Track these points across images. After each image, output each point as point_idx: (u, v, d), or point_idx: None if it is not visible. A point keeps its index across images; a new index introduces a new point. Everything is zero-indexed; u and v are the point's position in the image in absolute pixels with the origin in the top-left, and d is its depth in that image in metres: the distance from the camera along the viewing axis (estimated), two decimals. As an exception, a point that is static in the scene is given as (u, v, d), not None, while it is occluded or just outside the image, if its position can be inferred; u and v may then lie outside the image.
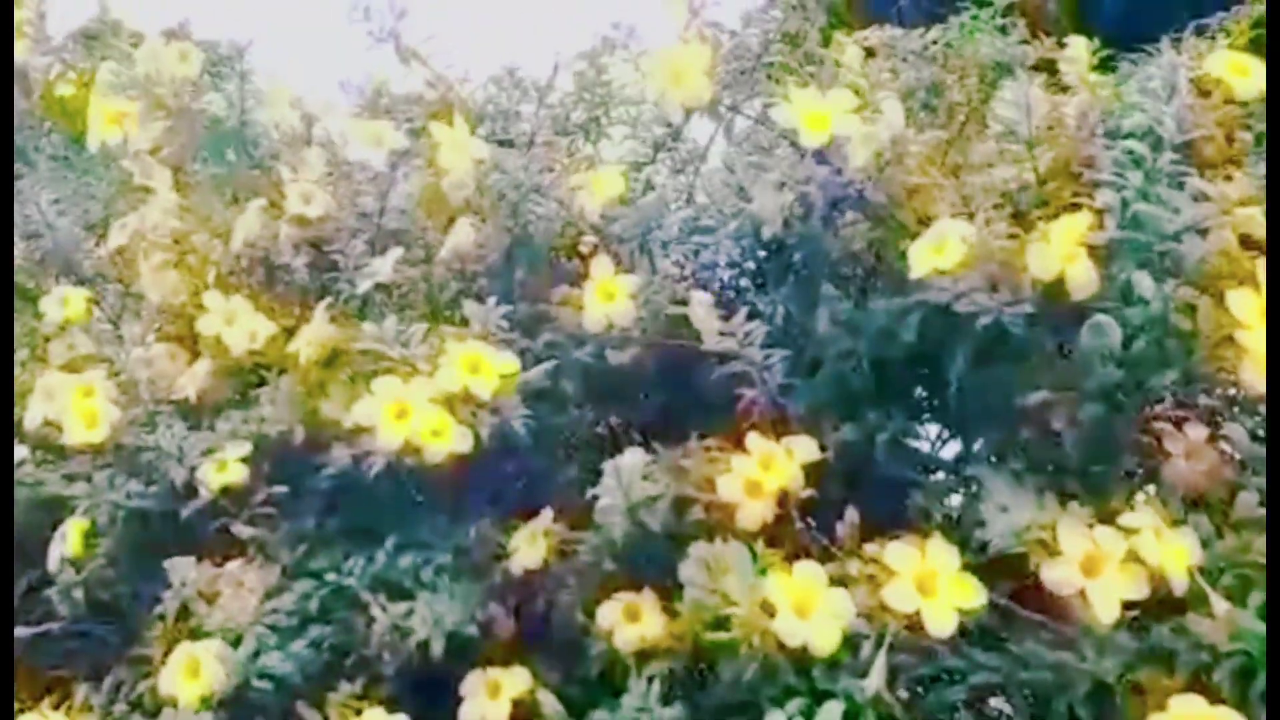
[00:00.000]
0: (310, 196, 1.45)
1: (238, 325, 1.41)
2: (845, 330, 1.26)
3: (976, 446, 1.23)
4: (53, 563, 1.28)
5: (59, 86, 1.97)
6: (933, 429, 1.30)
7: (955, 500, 1.20)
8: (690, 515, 1.14)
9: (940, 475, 1.27)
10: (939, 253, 1.04)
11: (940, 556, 0.95)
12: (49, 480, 1.34)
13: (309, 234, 1.46)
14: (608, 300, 1.21)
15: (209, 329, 1.41)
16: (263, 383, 1.45)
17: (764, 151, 1.35)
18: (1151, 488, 1.12)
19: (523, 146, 1.40)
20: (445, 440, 1.09)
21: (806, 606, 0.94)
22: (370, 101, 1.63)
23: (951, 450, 1.34)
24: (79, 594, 1.28)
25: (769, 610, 0.96)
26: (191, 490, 1.31)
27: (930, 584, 0.93)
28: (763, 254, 1.39)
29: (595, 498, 1.18)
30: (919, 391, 1.29)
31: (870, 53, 1.45)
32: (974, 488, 1.16)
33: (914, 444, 1.29)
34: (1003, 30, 1.39)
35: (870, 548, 1.05)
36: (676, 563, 1.15)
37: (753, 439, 1.10)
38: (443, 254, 1.38)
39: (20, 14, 1.82)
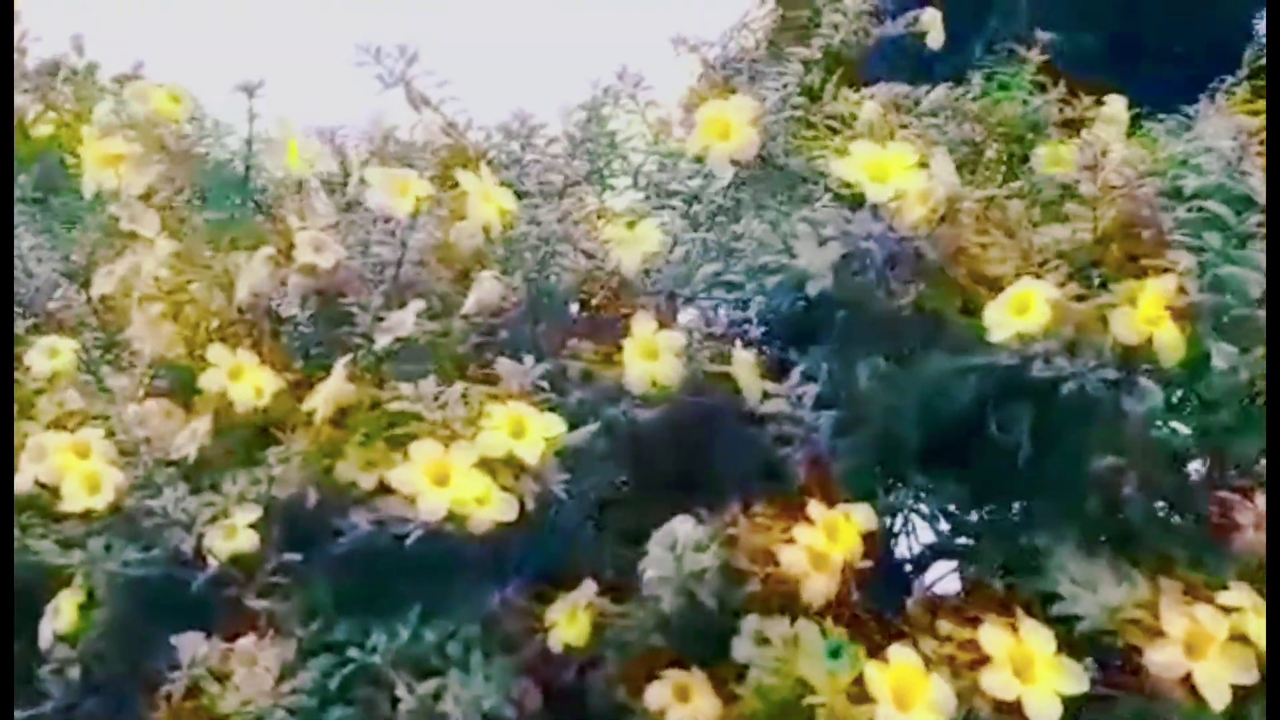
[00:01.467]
0: (321, 245, 1.38)
1: (244, 380, 1.34)
2: (891, 389, 1.21)
3: (1037, 513, 1.18)
4: (45, 639, 1.18)
5: (37, 126, 1.88)
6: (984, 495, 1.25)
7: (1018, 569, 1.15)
8: (744, 588, 1.08)
9: (990, 542, 1.22)
10: (1023, 314, 0.99)
11: (1035, 638, 0.90)
12: (40, 548, 1.25)
13: (319, 285, 1.39)
14: (650, 358, 1.16)
15: (212, 384, 1.33)
16: (268, 442, 1.38)
17: (803, 204, 1.31)
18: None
19: (550, 196, 1.34)
20: (491, 508, 1.02)
21: (908, 697, 0.88)
22: (378, 148, 1.56)
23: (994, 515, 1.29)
24: (74, 672, 1.18)
25: (854, 697, 0.90)
26: (197, 558, 1.23)
27: (1027, 668, 0.88)
28: (800, 309, 1.34)
29: (632, 566, 1.12)
30: (969, 455, 1.24)
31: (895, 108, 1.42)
32: (1038, 558, 1.11)
33: (961, 511, 1.24)
34: (1040, 87, 1.36)
35: (942, 624, 1.00)
36: (727, 638, 1.10)
37: (815, 507, 1.05)
38: (467, 307, 1.31)
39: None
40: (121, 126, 1.35)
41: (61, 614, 1.19)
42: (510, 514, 1.03)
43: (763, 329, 1.39)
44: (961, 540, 1.21)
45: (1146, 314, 0.95)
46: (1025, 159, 1.35)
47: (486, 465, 1.04)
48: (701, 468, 1.30)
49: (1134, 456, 1.05)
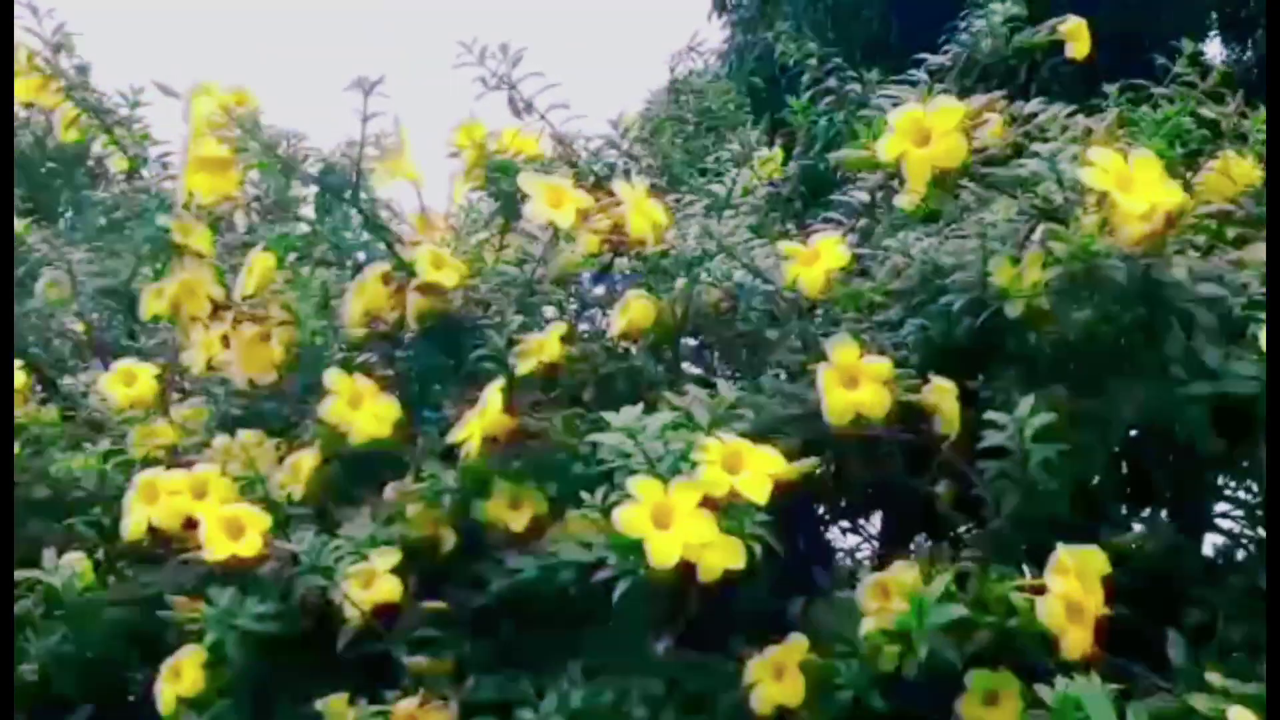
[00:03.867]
0: (442, 262, 1.25)
1: (364, 409, 1.21)
2: (1093, 419, 1.12)
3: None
4: (165, 705, 1.04)
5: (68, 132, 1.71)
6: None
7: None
8: (973, 641, 0.98)
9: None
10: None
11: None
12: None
13: (439, 305, 1.26)
14: (850, 385, 1.05)
15: (333, 414, 1.19)
16: (384, 477, 1.25)
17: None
18: None
19: (716, 209, 1.23)
20: (721, 555, 0.90)
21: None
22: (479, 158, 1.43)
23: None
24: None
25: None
26: (328, 608, 1.09)
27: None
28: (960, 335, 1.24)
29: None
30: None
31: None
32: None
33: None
34: (1217, 99, 1.29)
35: (1211, 676, 0.91)
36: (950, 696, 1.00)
37: (1065, 553, 0.95)
38: (616, 328, 1.20)
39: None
40: (223, 128, 1.21)
41: (184, 676, 1.04)
42: (740, 560, 0.91)
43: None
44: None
45: None
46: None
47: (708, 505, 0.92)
48: (896, 501, 1.21)
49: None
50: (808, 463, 0.98)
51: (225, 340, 1.47)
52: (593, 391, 1.22)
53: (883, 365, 1.05)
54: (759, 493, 0.92)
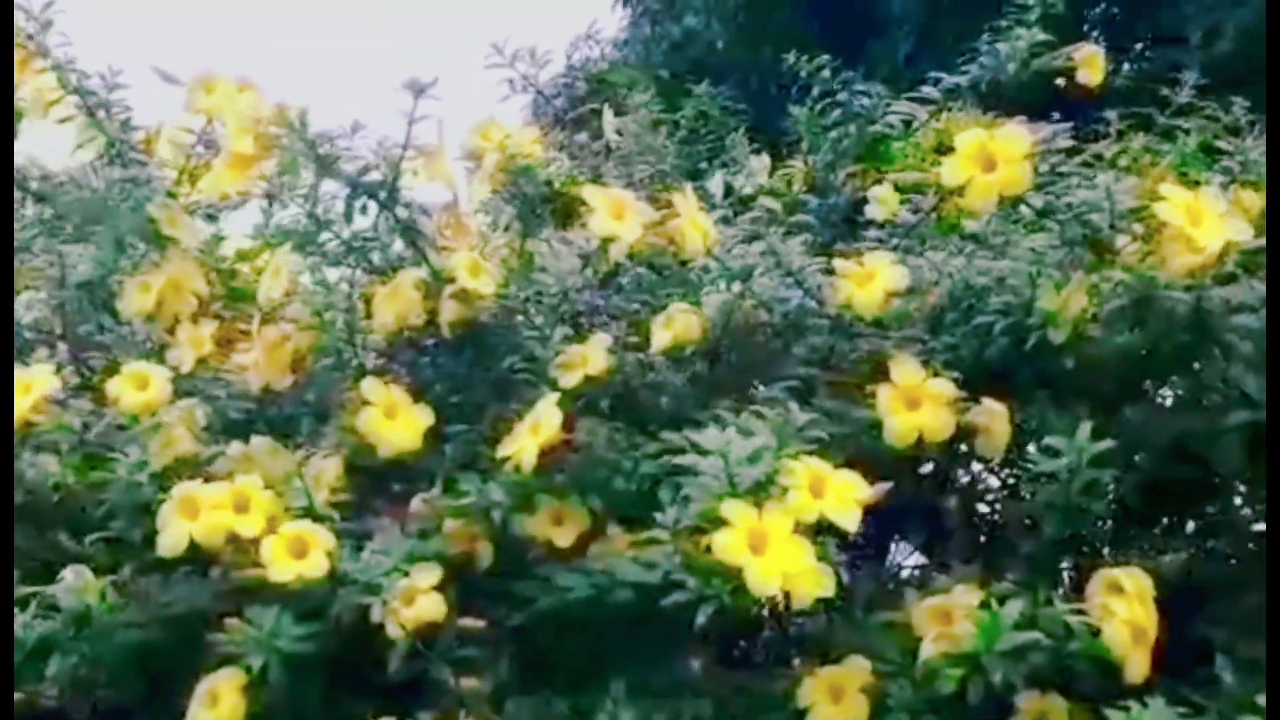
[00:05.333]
0: (479, 269, 1.22)
1: (399, 420, 1.17)
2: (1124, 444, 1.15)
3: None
4: (201, 731, 0.99)
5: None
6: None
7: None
8: (1028, 664, 0.99)
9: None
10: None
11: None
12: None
13: (473, 312, 1.23)
14: (912, 408, 1.06)
15: (369, 425, 1.15)
16: (404, 488, 1.21)
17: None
18: None
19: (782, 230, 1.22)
20: (814, 583, 0.90)
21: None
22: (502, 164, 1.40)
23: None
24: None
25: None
26: (366, 627, 1.05)
27: None
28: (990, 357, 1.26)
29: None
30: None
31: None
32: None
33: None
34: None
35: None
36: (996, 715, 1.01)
37: (1123, 576, 0.97)
38: (658, 344, 1.18)
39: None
40: (266, 125, 1.16)
41: (222, 701, 0.99)
42: (830, 588, 0.91)
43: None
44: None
45: None
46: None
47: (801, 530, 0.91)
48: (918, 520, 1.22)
49: None
50: (884, 487, 0.98)
51: (215, 340, 1.43)
52: (625, 405, 1.20)
53: (945, 388, 1.06)
54: (849, 519, 0.92)
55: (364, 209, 1.24)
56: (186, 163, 1.53)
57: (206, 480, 1.09)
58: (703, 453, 0.95)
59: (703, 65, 5.32)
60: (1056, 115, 1.55)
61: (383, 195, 1.22)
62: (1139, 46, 4.67)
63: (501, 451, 1.10)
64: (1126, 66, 4.84)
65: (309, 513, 1.06)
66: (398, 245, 1.32)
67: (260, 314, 1.24)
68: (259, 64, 1.58)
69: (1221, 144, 1.33)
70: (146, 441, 1.13)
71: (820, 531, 0.94)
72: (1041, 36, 1.42)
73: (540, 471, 1.10)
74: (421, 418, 1.18)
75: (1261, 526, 1.18)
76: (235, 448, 1.23)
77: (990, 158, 1.08)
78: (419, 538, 1.13)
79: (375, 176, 1.22)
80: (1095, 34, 4.61)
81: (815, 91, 1.60)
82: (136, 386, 1.23)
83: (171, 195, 1.51)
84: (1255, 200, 1.27)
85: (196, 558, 1.08)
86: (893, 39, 4.72)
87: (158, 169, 1.53)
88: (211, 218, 1.70)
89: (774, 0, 5.10)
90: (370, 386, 1.16)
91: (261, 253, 1.57)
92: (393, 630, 1.04)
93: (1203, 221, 1.01)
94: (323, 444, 1.25)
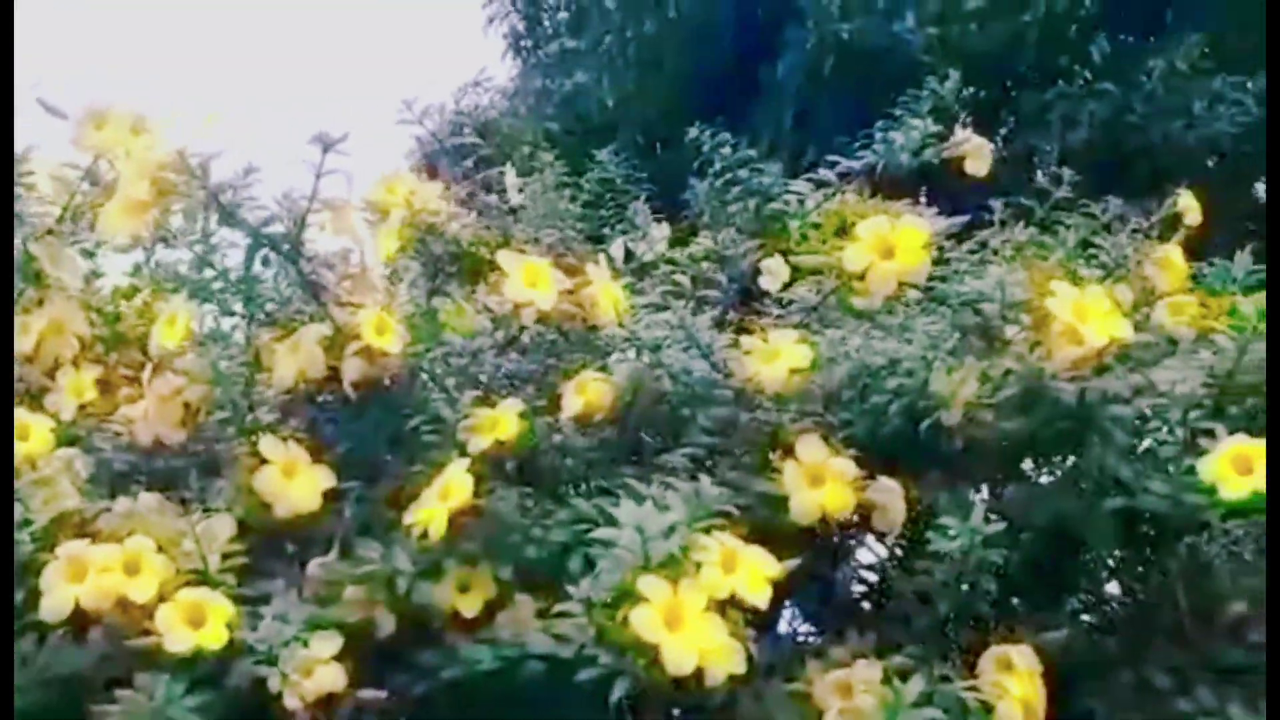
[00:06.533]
0: (385, 327, 1.21)
1: (299, 479, 1.14)
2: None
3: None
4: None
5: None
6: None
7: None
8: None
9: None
10: (1249, 474, 1.01)
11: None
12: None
13: (378, 371, 1.22)
14: (815, 485, 1.09)
15: (268, 484, 1.12)
16: (305, 551, 1.18)
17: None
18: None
19: (688, 302, 1.24)
20: (726, 660, 0.91)
21: None
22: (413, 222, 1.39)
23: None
24: None
25: None
26: (265, 695, 1.02)
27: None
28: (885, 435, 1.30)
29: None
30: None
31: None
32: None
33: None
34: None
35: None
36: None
37: (1013, 653, 1.01)
38: (569, 411, 1.19)
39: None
40: (166, 170, 1.12)
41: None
42: (742, 665, 0.92)
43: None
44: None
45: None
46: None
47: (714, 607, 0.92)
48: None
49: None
50: (791, 563, 1.00)
51: (98, 385, 1.37)
52: (533, 469, 1.20)
53: (847, 467, 1.09)
54: (760, 596, 0.94)
55: (265, 260, 1.21)
56: (70, 199, 1.48)
57: (93, 539, 1.04)
58: (617, 525, 0.96)
59: (593, 120, 5.40)
60: (943, 197, 1.65)
61: (285, 247, 1.20)
62: (1002, 130, 4.92)
63: (408, 517, 1.09)
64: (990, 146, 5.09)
65: (203, 577, 1.02)
66: (299, 298, 1.30)
67: (152, 365, 1.20)
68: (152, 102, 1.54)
69: (1098, 240, 1.42)
70: (28, 497, 1.08)
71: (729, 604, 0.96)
72: (933, 128, 1.48)
73: (448, 538, 1.09)
74: (321, 478, 1.16)
75: (1131, 603, 1.24)
76: (122, 504, 1.18)
77: (889, 246, 1.13)
78: (319, 604, 1.10)
79: (278, 228, 1.20)
80: (962, 114, 4.81)
81: (715, 166, 1.64)
82: (16, 436, 1.17)
83: (52, 233, 1.46)
84: (1128, 295, 1.36)
85: (83, 623, 1.03)
86: (777, 104, 4.87)
87: (38, 203, 1.47)
88: (89, 254, 1.64)
89: (663, 61, 5.21)
90: (269, 444, 1.13)
91: (145, 293, 1.53)
92: (291, 702, 1.01)
93: (1089, 318, 1.08)
94: (213, 500, 1.21)
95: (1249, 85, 4.46)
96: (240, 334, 1.27)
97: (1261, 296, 1.29)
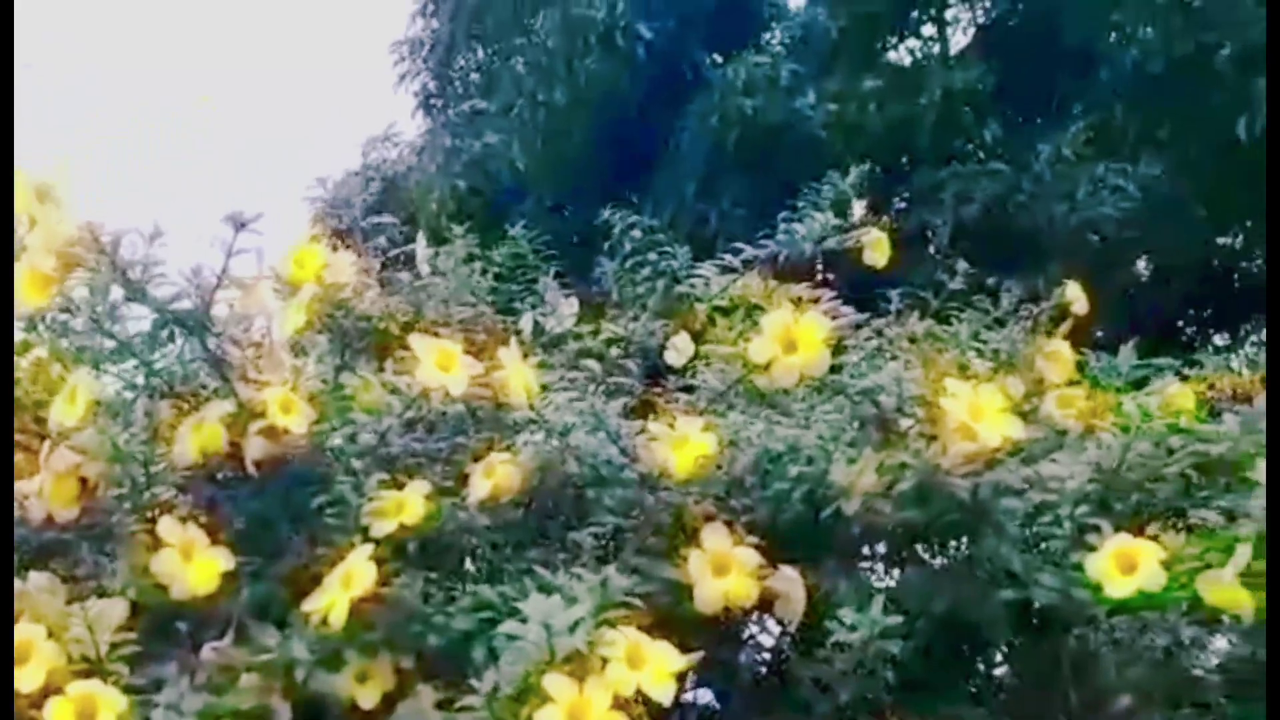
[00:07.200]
0: (290, 406, 1.20)
1: (195, 562, 1.12)
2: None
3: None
4: None
5: None
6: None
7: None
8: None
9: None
10: (1131, 573, 1.05)
11: None
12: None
13: (282, 450, 1.20)
14: (720, 574, 1.11)
15: (165, 567, 1.10)
16: (199, 634, 1.15)
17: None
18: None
19: (597, 386, 1.26)
20: (631, 757, 0.91)
21: None
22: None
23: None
24: None
25: None
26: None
27: None
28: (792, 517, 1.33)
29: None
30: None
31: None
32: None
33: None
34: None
35: None
36: None
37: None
38: (477, 494, 1.19)
39: None
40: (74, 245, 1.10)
41: None
42: (645, 764, 0.92)
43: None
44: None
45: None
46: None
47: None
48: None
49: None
50: (695, 656, 1.01)
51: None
52: (438, 551, 1.20)
53: (750, 556, 1.11)
54: (664, 693, 0.94)
55: (170, 334, 1.19)
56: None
57: (-22, 623, 1.00)
58: (523, 619, 0.96)
59: (503, 181, 5.43)
60: (844, 278, 1.69)
61: (192, 324, 1.18)
62: (898, 203, 5.09)
63: (308, 605, 1.07)
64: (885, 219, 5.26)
65: (94, 665, 0.99)
66: (205, 371, 1.28)
67: (50, 440, 1.17)
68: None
69: (990, 334, 1.49)
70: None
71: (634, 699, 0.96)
72: (834, 221, 1.54)
73: (349, 626, 1.08)
74: (220, 559, 1.13)
75: (1023, 690, 1.28)
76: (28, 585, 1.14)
77: (792, 339, 1.16)
78: (213, 691, 1.07)
79: (186, 304, 1.19)
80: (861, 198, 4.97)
81: (625, 248, 1.67)
82: (-104, 512, 1.13)
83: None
84: (1019, 386, 1.42)
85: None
86: (682, 173, 4.96)
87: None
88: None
89: (572, 129, 5.29)
90: (167, 526, 1.11)
91: (39, 350, 1.48)
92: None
93: (983, 416, 1.12)
94: (107, 579, 1.18)
95: (1129, 170, 4.69)
96: (141, 407, 1.24)
97: (1143, 394, 1.36)
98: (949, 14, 5.72)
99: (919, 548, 1.32)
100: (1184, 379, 1.46)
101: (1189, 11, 4.62)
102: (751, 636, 1.37)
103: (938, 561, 1.35)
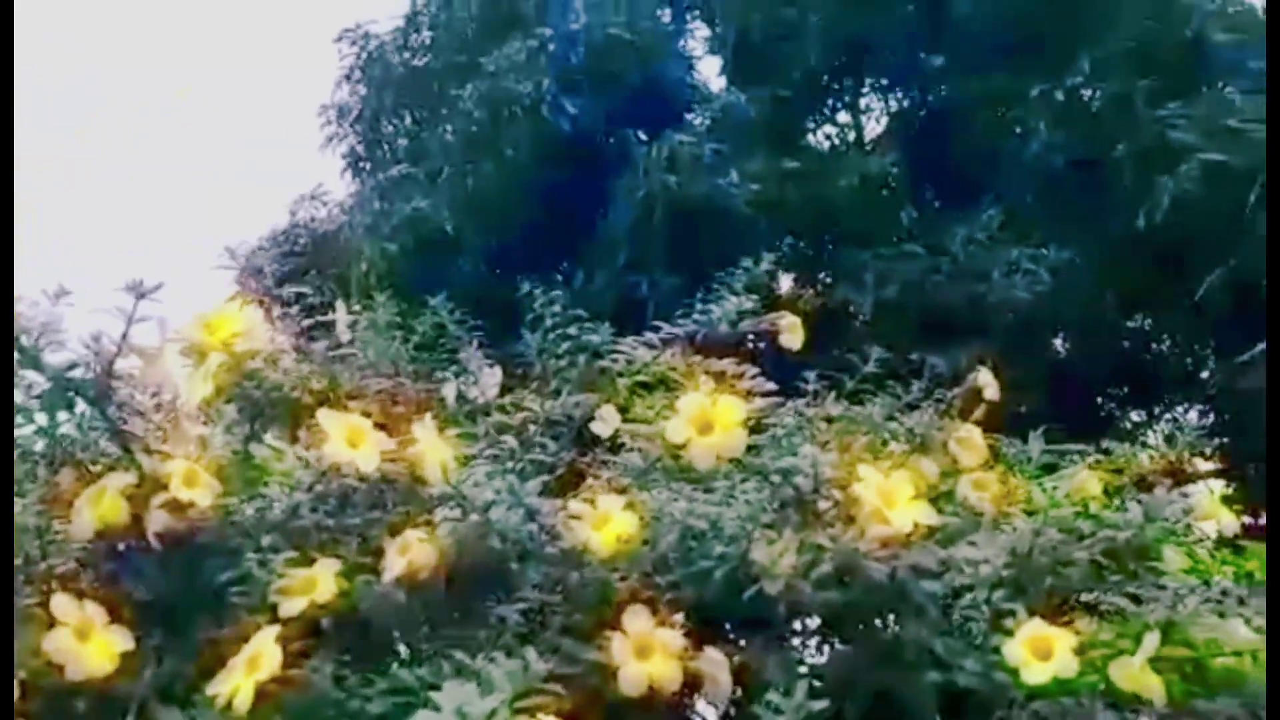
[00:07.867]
0: (195, 478, 1.16)
1: (92, 643, 1.07)
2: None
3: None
4: None
5: None
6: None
7: None
8: None
9: None
10: (1047, 659, 1.05)
11: None
12: None
13: (186, 524, 1.16)
14: (643, 657, 1.09)
15: (60, 647, 1.04)
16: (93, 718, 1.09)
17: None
18: None
19: (517, 462, 1.24)
20: None
21: None
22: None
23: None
24: None
25: None
26: None
27: None
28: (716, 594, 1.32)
29: None
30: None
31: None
32: None
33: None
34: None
35: None
36: None
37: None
38: (393, 571, 1.16)
39: None
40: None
41: None
42: None
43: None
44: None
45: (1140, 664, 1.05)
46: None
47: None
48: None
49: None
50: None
51: None
52: (352, 630, 1.16)
53: (674, 638, 1.10)
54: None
55: (70, 403, 1.15)
56: None
57: None
58: (437, 709, 0.93)
59: (431, 243, 5.39)
60: (764, 355, 1.70)
61: (91, 394, 1.14)
62: (822, 278, 5.18)
63: (212, 689, 1.03)
64: (809, 293, 5.38)
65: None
66: (106, 440, 1.23)
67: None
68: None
69: (904, 418, 1.50)
70: None
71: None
72: (748, 304, 1.55)
73: (256, 711, 1.03)
74: (118, 639, 1.08)
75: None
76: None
77: (709, 421, 1.17)
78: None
79: (83, 373, 1.15)
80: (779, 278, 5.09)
81: (547, 322, 1.67)
82: None
83: None
84: (934, 468, 1.43)
85: None
86: (610, 244, 4.99)
87: None
88: None
89: (501, 196, 5.30)
90: (62, 604, 1.06)
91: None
92: None
93: (895, 503, 1.13)
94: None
95: (1041, 254, 4.83)
96: (39, 477, 1.19)
97: (1052, 479, 1.38)
98: (862, 103, 5.90)
99: (844, 629, 1.31)
100: (1095, 464, 1.48)
101: (1086, 113, 4.83)
102: (687, 718, 1.35)
103: (865, 641, 1.34)
